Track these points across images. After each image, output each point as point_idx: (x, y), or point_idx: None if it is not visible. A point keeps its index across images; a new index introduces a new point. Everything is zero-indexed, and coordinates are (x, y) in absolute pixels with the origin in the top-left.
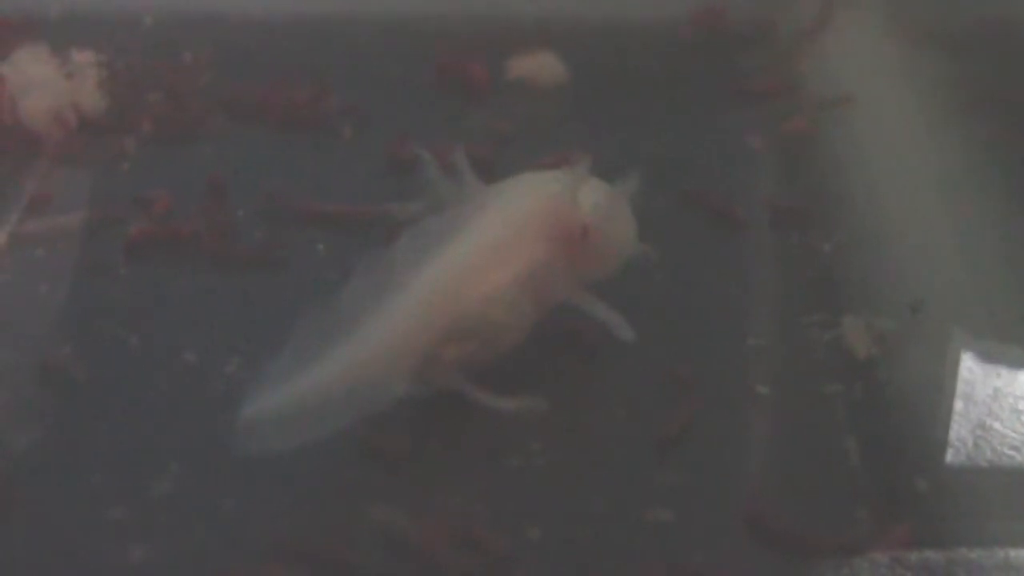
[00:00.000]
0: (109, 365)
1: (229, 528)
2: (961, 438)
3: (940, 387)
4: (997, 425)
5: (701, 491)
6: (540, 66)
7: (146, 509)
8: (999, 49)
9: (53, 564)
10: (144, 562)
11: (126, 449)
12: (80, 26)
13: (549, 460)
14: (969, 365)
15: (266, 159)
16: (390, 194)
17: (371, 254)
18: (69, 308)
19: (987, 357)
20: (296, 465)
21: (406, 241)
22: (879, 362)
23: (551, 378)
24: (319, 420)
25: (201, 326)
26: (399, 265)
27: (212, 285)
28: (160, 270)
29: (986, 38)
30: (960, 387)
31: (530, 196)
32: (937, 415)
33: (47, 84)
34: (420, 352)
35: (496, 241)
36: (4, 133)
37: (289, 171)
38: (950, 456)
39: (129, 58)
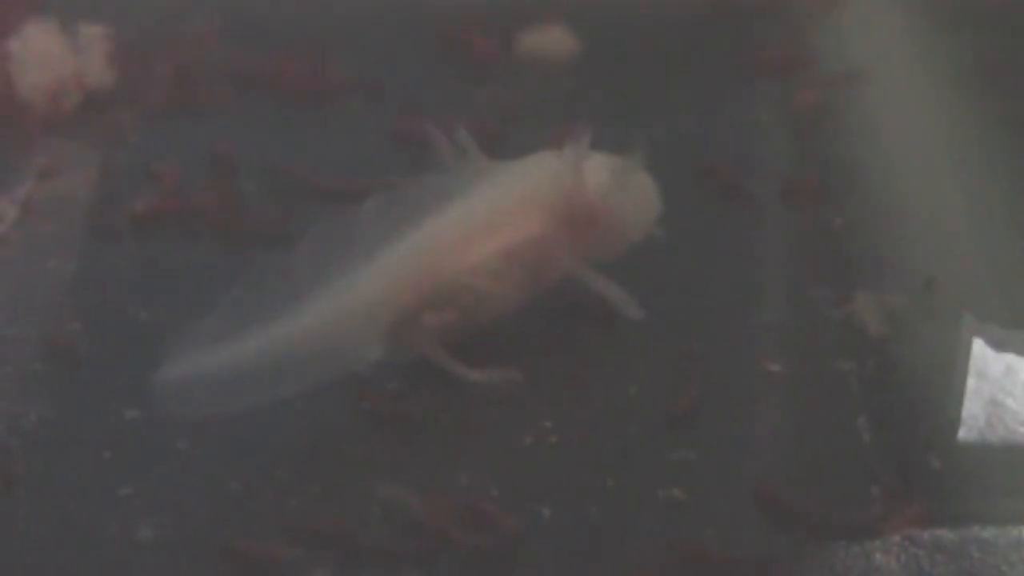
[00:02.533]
0: (117, 340)
1: (236, 505)
2: (973, 415)
3: (952, 364)
4: (1010, 401)
5: (712, 469)
6: (550, 39)
7: (153, 486)
8: (1013, 24)
9: (60, 540)
10: (151, 539)
11: (133, 425)
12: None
13: (560, 437)
14: (980, 341)
15: (274, 133)
16: (398, 168)
17: (328, 218)
18: (77, 283)
19: (998, 333)
20: (303, 442)
21: (373, 207)
22: (891, 339)
23: (562, 354)
24: (277, 381)
25: (209, 301)
26: (370, 228)
27: (220, 259)
28: (168, 244)
29: (1000, 12)
30: (972, 363)
31: (532, 172)
32: (949, 392)
33: (54, 58)
34: (394, 316)
35: (488, 212)
36: (9, 109)
37: (297, 145)
38: (962, 433)
39: (137, 31)
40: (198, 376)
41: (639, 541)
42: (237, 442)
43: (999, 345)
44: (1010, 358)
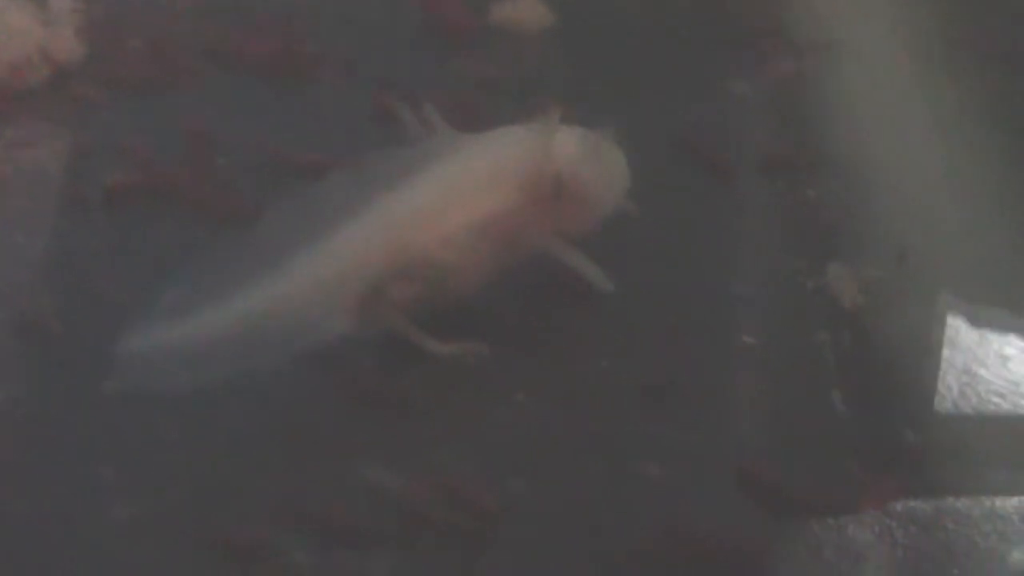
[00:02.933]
0: (88, 317)
1: (212, 486)
2: (948, 386)
3: (927, 335)
4: (983, 372)
5: (688, 443)
6: (524, 10)
7: (128, 466)
8: None
9: (36, 523)
10: (129, 521)
11: (108, 405)
12: None
13: (536, 414)
14: (955, 313)
15: (248, 107)
16: (373, 143)
17: (296, 190)
18: (48, 259)
19: (973, 304)
20: (280, 422)
21: (341, 178)
22: (866, 311)
23: (536, 329)
24: (240, 354)
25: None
26: (336, 199)
27: (192, 235)
28: (140, 220)
29: None
30: (946, 335)
31: (499, 145)
32: (923, 363)
33: (22, 32)
34: (361, 288)
35: (456, 185)
36: None
37: (271, 119)
38: (936, 404)
39: (108, 5)
40: (160, 348)
41: (616, 517)
42: (214, 423)
43: (973, 319)
44: (983, 329)
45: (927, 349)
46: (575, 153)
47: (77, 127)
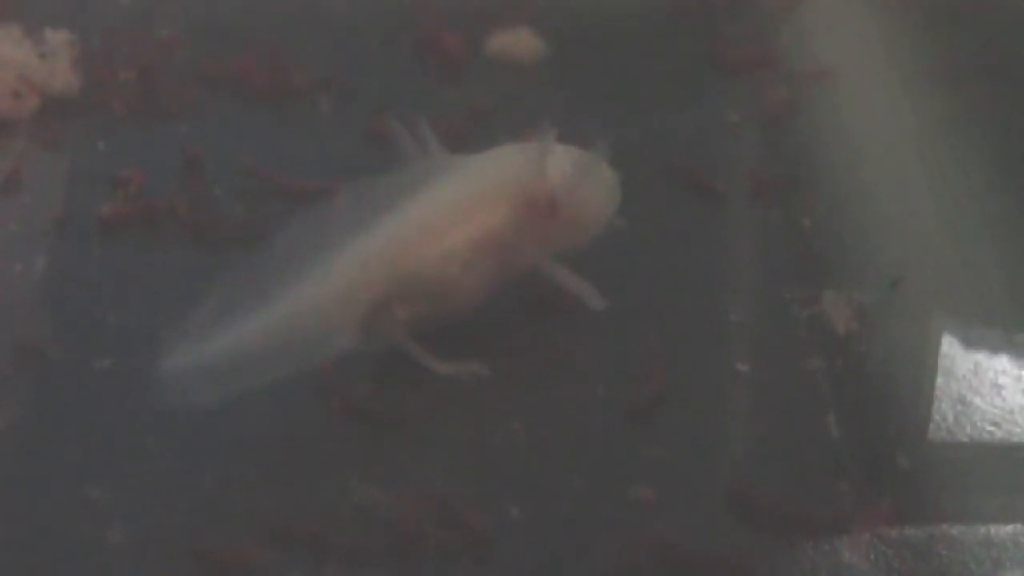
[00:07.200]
0: (85, 344)
1: (207, 506)
2: (942, 413)
3: (920, 362)
4: (977, 400)
5: (682, 468)
6: (518, 41)
7: (124, 488)
8: (979, 20)
9: (30, 544)
10: (122, 541)
11: (103, 428)
12: (54, 4)
13: (530, 437)
14: (949, 340)
15: (243, 134)
16: (368, 169)
17: (306, 210)
18: (45, 287)
19: (967, 331)
20: (275, 442)
21: (348, 198)
22: (860, 337)
23: (531, 352)
24: (254, 371)
25: (178, 304)
26: (342, 220)
27: (189, 262)
28: (136, 248)
29: (965, 9)
30: (940, 362)
31: (496, 164)
32: (918, 390)
33: (17, 64)
34: (366, 306)
35: (456, 203)
36: None
37: (266, 146)
38: (931, 431)
39: (104, 35)
40: (192, 367)
41: (609, 540)
42: (208, 443)
43: (968, 343)
44: (978, 356)
45: (921, 374)
46: (566, 171)
47: (74, 156)
